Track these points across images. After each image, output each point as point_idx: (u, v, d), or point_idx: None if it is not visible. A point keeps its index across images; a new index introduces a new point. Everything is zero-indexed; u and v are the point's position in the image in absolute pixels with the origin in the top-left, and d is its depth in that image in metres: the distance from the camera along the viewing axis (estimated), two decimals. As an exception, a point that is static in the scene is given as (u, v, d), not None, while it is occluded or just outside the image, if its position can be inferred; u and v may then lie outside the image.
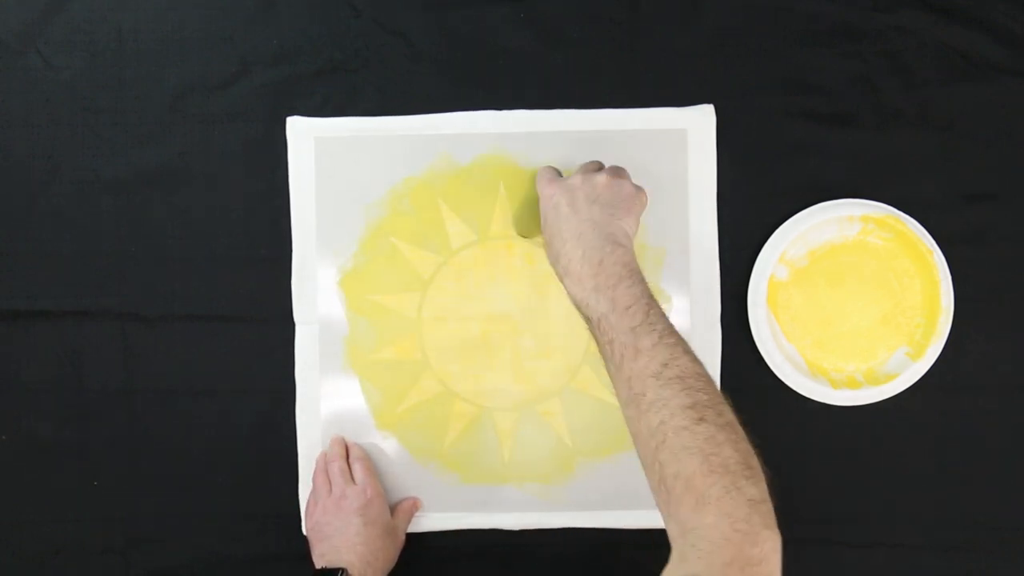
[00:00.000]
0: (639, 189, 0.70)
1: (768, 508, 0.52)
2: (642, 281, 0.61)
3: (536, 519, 0.82)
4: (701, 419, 0.53)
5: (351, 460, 0.80)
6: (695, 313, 0.81)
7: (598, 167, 0.72)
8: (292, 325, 0.82)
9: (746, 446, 0.54)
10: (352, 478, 0.78)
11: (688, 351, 0.58)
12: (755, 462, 0.53)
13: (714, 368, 0.81)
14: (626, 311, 0.59)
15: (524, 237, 0.81)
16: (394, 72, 0.82)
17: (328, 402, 0.82)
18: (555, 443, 0.82)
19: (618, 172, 0.70)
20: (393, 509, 0.80)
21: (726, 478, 0.51)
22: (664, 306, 0.79)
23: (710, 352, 0.81)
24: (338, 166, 0.81)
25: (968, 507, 0.81)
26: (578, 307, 0.62)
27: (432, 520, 0.82)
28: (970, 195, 0.81)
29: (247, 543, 0.83)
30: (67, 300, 0.82)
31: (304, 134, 0.81)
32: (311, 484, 0.80)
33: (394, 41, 0.82)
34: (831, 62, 0.81)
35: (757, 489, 0.52)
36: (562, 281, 0.64)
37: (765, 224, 0.81)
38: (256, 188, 0.82)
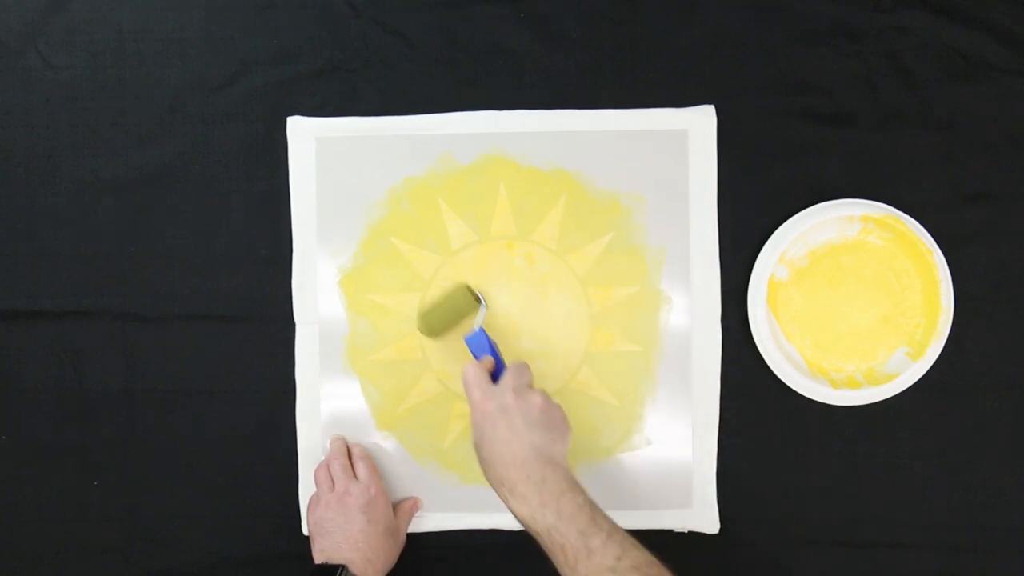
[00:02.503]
0: (562, 411, 0.71)
1: None
2: (583, 492, 0.65)
3: (536, 519, 0.82)
4: None
5: (354, 459, 0.80)
6: (695, 313, 0.81)
7: (528, 377, 0.72)
8: (292, 325, 0.82)
9: None
10: (355, 476, 0.78)
11: (637, 545, 0.63)
12: None
13: (714, 368, 0.81)
14: (571, 518, 0.63)
15: (429, 337, 0.80)
16: (394, 72, 0.82)
17: (328, 402, 0.82)
18: (555, 443, 0.82)
19: (544, 393, 0.71)
20: (394, 509, 0.79)
21: None
22: (664, 306, 0.80)
23: (710, 352, 0.81)
24: (338, 166, 0.81)
25: (968, 507, 0.81)
26: (525, 524, 0.65)
27: (432, 520, 0.82)
28: (970, 195, 0.81)
29: (247, 543, 0.83)
30: (67, 300, 0.82)
31: (304, 134, 0.81)
32: (312, 483, 0.80)
33: (394, 41, 0.82)
34: (831, 62, 0.81)
35: None
36: (506, 501, 0.67)
37: (765, 224, 0.81)
38: (256, 188, 0.82)
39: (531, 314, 0.81)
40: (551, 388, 0.81)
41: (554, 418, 0.70)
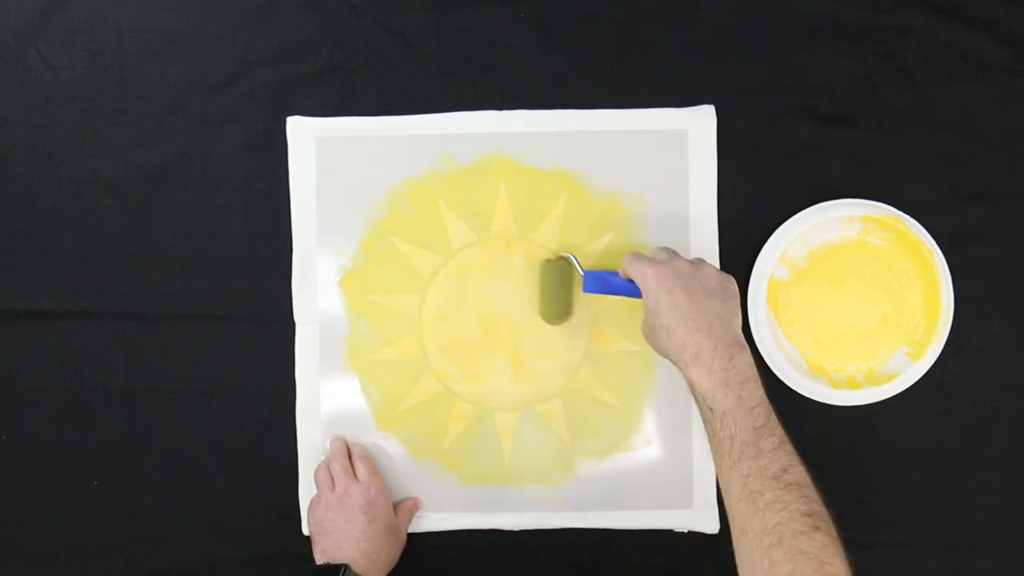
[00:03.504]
0: (735, 282, 0.71)
1: None
2: (762, 386, 0.64)
3: (536, 519, 0.82)
4: (817, 528, 0.56)
5: (354, 459, 0.80)
6: (695, 313, 0.81)
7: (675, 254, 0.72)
8: (292, 325, 0.82)
9: (850, 567, 0.56)
10: (355, 476, 0.78)
11: (802, 463, 0.60)
12: None
13: (714, 368, 0.81)
14: (751, 411, 0.61)
15: (553, 324, 0.80)
16: (394, 72, 0.82)
17: (328, 402, 0.82)
18: (555, 443, 0.82)
19: (707, 263, 0.71)
20: (394, 509, 0.79)
21: None
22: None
23: (710, 352, 0.81)
24: (338, 166, 0.81)
25: (968, 507, 0.81)
26: (700, 395, 0.64)
27: (432, 520, 0.82)
28: (970, 195, 0.81)
29: (247, 543, 0.83)
30: (67, 300, 0.82)
31: (304, 134, 0.81)
32: (312, 483, 0.80)
33: (394, 41, 0.82)
34: (831, 62, 0.81)
35: None
36: (685, 367, 0.65)
37: (765, 224, 0.81)
38: (256, 188, 0.82)
39: (531, 314, 0.81)
40: (551, 388, 0.81)
41: (729, 289, 0.69)
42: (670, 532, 0.81)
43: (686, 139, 0.81)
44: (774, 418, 0.62)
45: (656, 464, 0.81)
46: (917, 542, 0.81)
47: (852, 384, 0.80)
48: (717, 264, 0.80)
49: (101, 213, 0.82)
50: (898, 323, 0.81)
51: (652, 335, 0.68)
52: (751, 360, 0.65)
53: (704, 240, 0.81)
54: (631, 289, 0.72)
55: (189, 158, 0.82)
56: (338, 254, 0.82)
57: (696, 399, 0.65)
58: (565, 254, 0.79)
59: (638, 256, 0.71)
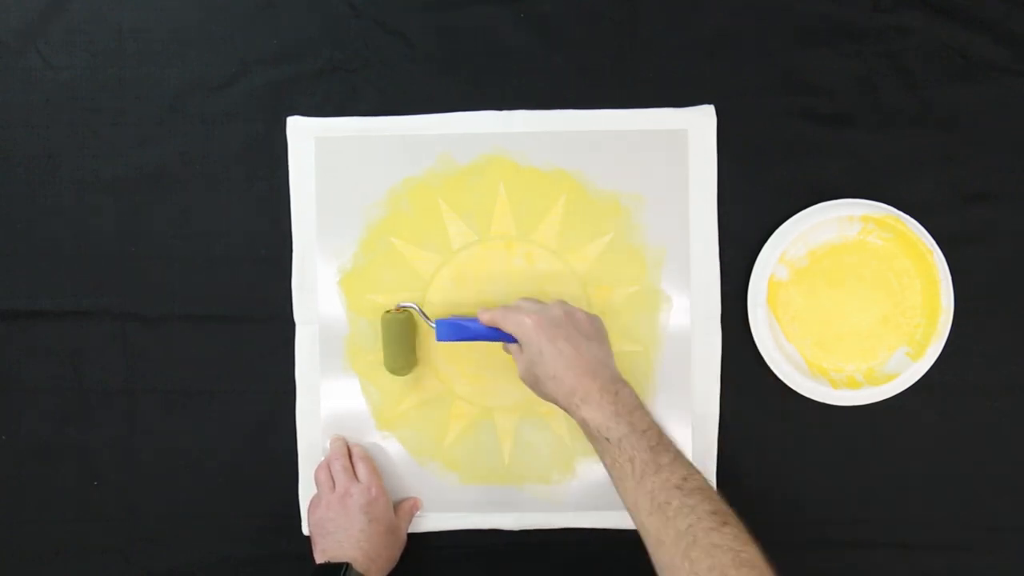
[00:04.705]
0: (602, 322, 0.75)
1: None
2: (649, 412, 0.68)
3: (536, 519, 0.82)
4: (725, 523, 0.60)
5: (354, 459, 0.80)
6: (695, 313, 0.81)
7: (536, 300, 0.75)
8: (292, 325, 0.82)
9: (763, 553, 0.60)
10: (356, 476, 0.78)
11: (699, 471, 0.65)
12: (766, 562, 0.60)
13: (714, 368, 0.81)
14: (643, 433, 0.66)
15: (397, 375, 0.79)
16: (394, 72, 0.82)
17: (328, 402, 0.82)
18: (555, 443, 0.82)
19: (575, 308, 0.74)
20: (394, 509, 0.79)
21: (754, 571, 0.58)
22: (664, 306, 0.81)
23: (710, 352, 0.81)
24: (338, 166, 0.81)
25: (968, 507, 0.81)
26: (596, 430, 0.67)
27: (432, 520, 0.82)
28: (970, 195, 0.81)
29: (247, 543, 0.83)
30: (67, 300, 0.82)
31: (304, 134, 0.81)
32: (312, 483, 0.80)
33: (394, 41, 0.82)
34: (831, 62, 0.81)
35: None
36: (576, 410, 0.68)
37: (765, 224, 0.81)
38: (256, 188, 0.82)
39: (531, 314, 0.81)
40: (551, 388, 0.81)
41: (600, 330, 0.73)
42: (670, 532, 0.81)
43: (686, 139, 0.81)
44: (666, 437, 0.66)
45: (656, 464, 0.81)
46: (917, 542, 0.81)
47: (852, 384, 0.80)
48: (717, 263, 0.81)
49: (101, 213, 0.82)
50: (898, 323, 0.81)
51: (537, 384, 0.71)
52: (634, 392, 0.69)
53: (704, 240, 0.81)
54: (492, 335, 0.74)
55: (189, 158, 0.82)
56: (338, 254, 0.82)
57: (591, 436, 0.68)
58: (406, 304, 0.79)
59: (509, 308, 0.73)
